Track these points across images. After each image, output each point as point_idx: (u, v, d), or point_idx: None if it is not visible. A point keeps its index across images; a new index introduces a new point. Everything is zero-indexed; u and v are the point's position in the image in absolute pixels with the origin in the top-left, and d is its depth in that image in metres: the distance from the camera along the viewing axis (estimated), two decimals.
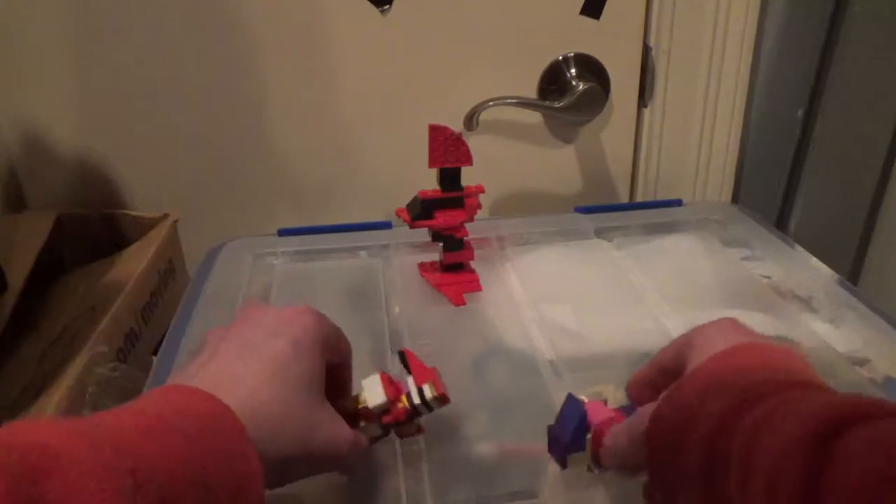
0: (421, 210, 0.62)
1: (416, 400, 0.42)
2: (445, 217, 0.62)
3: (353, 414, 0.42)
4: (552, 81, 0.82)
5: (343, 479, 0.44)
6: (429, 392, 0.42)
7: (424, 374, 0.43)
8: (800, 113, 0.86)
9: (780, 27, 0.82)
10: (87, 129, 0.80)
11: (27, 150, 0.80)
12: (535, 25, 0.79)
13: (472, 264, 0.67)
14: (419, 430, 0.45)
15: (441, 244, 0.65)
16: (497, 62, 0.80)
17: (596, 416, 0.41)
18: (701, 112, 0.85)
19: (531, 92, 0.82)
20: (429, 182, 0.63)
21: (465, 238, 0.64)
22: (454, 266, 0.66)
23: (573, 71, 0.81)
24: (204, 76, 0.78)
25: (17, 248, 0.67)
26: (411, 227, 0.62)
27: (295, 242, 0.71)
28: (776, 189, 0.91)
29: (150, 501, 0.27)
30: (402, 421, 0.43)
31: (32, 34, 0.75)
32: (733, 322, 0.41)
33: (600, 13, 0.79)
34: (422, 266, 0.68)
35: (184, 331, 0.58)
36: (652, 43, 0.81)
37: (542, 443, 0.43)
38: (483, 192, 0.63)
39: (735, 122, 0.85)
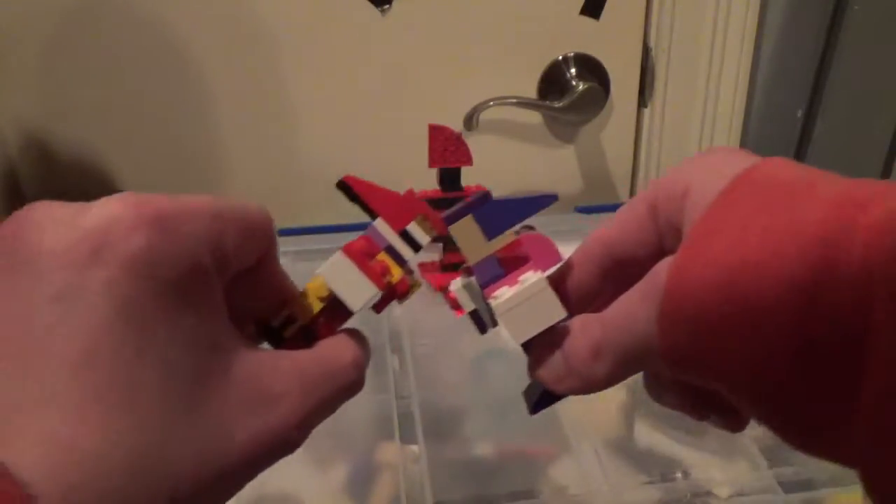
0: None
1: (408, 254, 0.28)
2: None
3: (310, 325, 0.27)
4: (552, 81, 0.82)
5: (343, 479, 0.44)
6: (422, 234, 0.28)
7: (402, 208, 0.28)
8: (800, 113, 0.86)
9: (780, 27, 0.82)
10: (87, 129, 0.80)
11: (27, 150, 0.80)
12: (535, 25, 0.79)
13: None
14: (417, 284, 0.30)
15: (441, 244, 0.65)
16: (497, 62, 0.80)
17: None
18: (701, 112, 0.84)
19: (531, 92, 0.82)
20: (429, 182, 0.63)
21: None
22: (454, 266, 0.66)
23: (573, 71, 0.81)
24: (204, 76, 0.78)
25: None
26: None
27: (295, 242, 0.71)
28: None
29: None
30: (404, 294, 0.29)
31: (33, 35, 0.75)
32: (726, 152, 0.26)
33: (600, 13, 0.79)
34: (422, 266, 0.68)
35: None
36: (652, 43, 0.81)
37: (542, 443, 0.42)
38: None
39: (735, 122, 0.85)
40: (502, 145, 0.85)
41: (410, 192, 0.28)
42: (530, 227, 0.29)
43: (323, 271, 0.26)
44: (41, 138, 0.80)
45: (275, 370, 0.23)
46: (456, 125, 0.67)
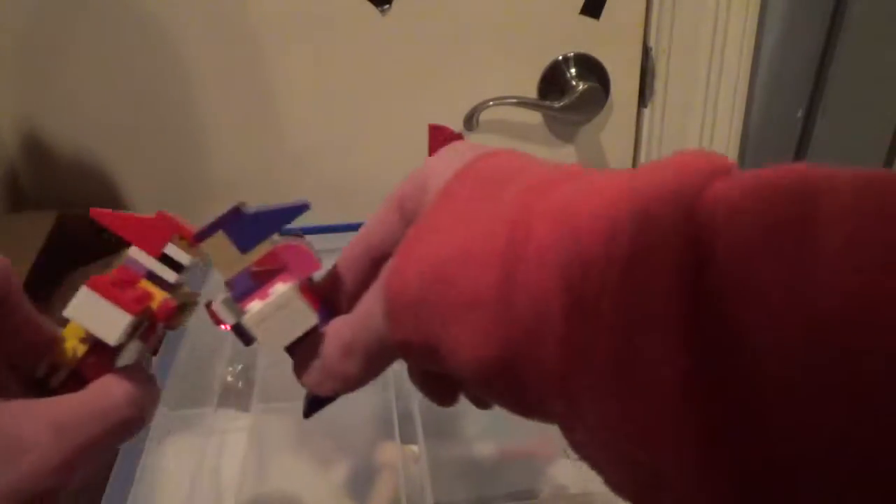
0: None
1: (171, 279, 0.27)
2: None
3: (78, 369, 0.26)
4: (552, 81, 0.82)
5: (343, 479, 0.44)
6: (181, 254, 0.27)
7: (154, 231, 0.27)
8: (800, 113, 0.86)
9: (780, 27, 0.81)
10: (87, 129, 0.80)
11: (27, 150, 0.80)
12: (535, 25, 0.79)
13: None
14: (190, 303, 0.29)
15: None
16: (497, 62, 0.80)
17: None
18: (701, 112, 0.84)
19: (531, 92, 0.82)
20: None
21: None
22: None
23: (573, 71, 0.81)
24: (204, 76, 0.78)
25: (17, 248, 0.67)
26: None
27: None
28: None
29: None
30: (172, 318, 0.28)
31: (32, 34, 0.75)
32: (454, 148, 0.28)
33: (600, 13, 0.79)
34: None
35: (182, 331, 0.58)
36: (652, 43, 0.81)
37: (542, 443, 0.42)
38: None
39: (735, 122, 0.85)
40: (502, 145, 0.84)
41: (161, 214, 0.27)
42: (299, 235, 0.29)
43: (70, 311, 0.25)
44: (41, 138, 0.80)
45: (22, 419, 0.22)
46: (456, 125, 0.67)
